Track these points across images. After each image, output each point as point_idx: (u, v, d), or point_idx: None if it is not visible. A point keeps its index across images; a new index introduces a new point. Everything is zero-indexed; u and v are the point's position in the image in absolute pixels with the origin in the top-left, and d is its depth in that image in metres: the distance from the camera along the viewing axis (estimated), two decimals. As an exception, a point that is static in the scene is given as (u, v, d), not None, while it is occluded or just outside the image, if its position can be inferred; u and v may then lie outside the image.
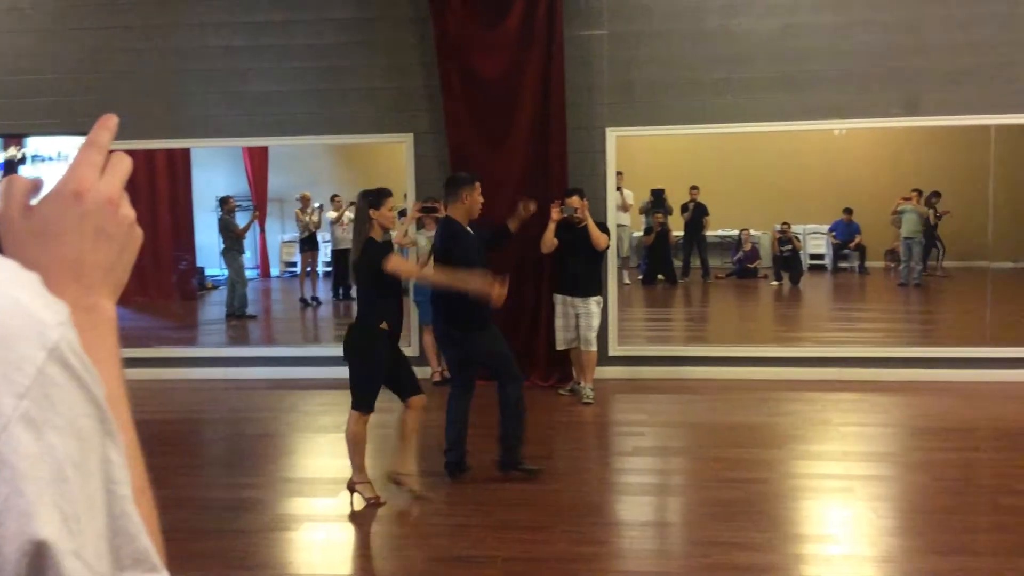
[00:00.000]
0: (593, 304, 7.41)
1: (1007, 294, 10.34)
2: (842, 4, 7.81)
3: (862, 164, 13.06)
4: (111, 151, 0.80)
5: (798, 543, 4.64)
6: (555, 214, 7.24)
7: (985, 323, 8.61)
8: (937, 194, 11.99)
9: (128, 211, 0.79)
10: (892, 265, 13.43)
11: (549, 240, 7.30)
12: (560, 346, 7.60)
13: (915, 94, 7.78)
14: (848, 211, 13.52)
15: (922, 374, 7.84)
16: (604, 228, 7.46)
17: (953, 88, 7.72)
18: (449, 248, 5.42)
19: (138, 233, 0.81)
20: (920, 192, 11.94)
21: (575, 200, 7.20)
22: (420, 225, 8.11)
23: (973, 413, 6.93)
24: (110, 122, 0.81)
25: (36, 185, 0.80)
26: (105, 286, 0.78)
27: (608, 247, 7.47)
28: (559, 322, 7.52)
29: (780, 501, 5.21)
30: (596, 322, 7.45)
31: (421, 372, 8.34)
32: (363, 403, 5.19)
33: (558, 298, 7.52)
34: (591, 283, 7.45)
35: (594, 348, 7.49)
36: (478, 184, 5.57)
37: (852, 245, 13.74)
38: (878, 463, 5.83)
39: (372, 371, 5.13)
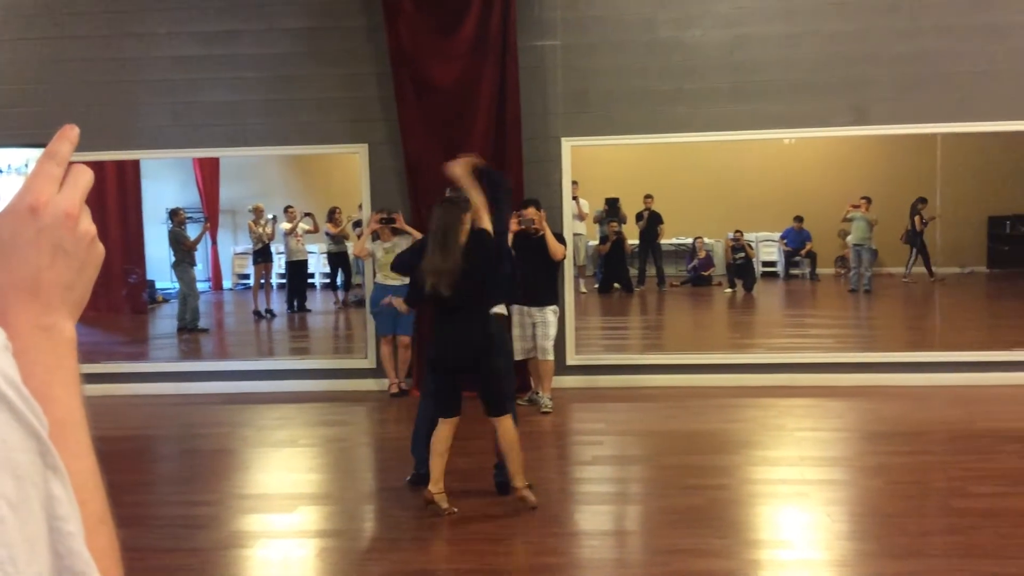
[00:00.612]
0: (549, 313, 7.42)
1: (955, 299, 10.55)
2: (791, 15, 7.93)
3: (812, 172, 13.27)
4: (71, 163, 0.77)
5: (755, 549, 4.67)
6: (512, 224, 7.24)
7: (934, 328, 8.76)
8: (923, 200, 11.98)
9: (89, 226, 0.76)
10: (842, 271, 13.64)
11: None
12: (518, 356, 7.59)
13: (863, 103, 7.92)
14: (799, 219, 13.72)
15: (874, 379, 7.96)
16: (560, 238, 7.47)
17: (900, 97, 7.87)
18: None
19: (100, 250, 0.77)
20: (869, 199, 12.14)
21: (531, 211, 7.21)
22: (376, 236, 8.06)
23: (924, 417, 7.05)
24: (71, 133, 0.77)
25: None
26: (64, 305, 0.74)
27: (564, 257, 7.48)
28: (516, 332, 7.52)
29: (738, 507, 5.24)
30: (553, 331, 7.46)
31: (379, 384, 8.33)
32: (513, 402, 5.21)
33: (514, 308, 7.51)
34: (547, 293, 7.46)
35: (551, 357, 7.49)
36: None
37: (803, 252, 13.94)
38: (832, 468, 5.90)
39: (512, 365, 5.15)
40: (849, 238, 12.63)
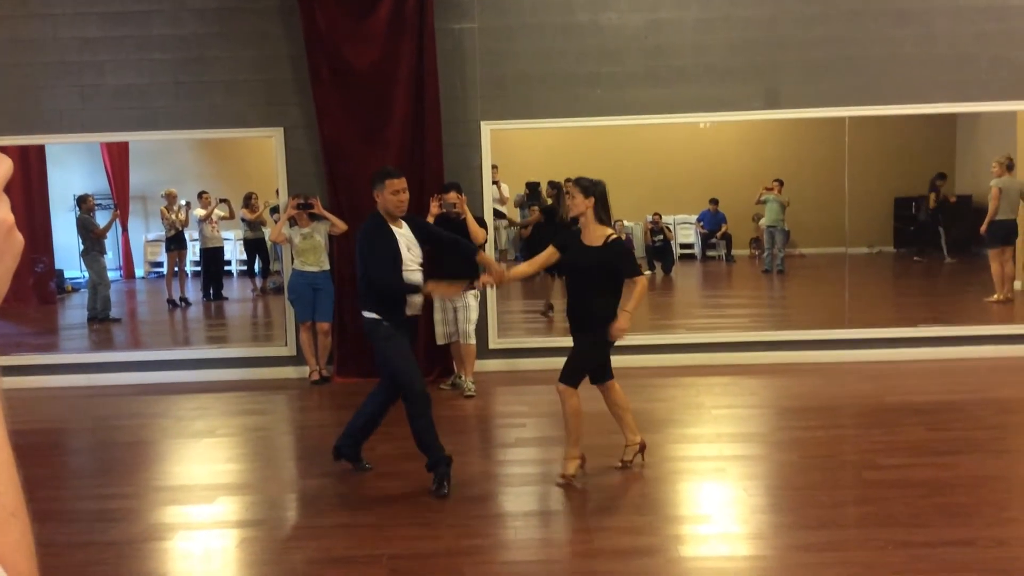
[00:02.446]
0: (471, 297, 7.42)
1: (863, 278, 10.88)
2: (705, 1, 8.03)
3: (727, 156, 13.50)
4: None
5: (676, 524, 4.77)
6: (434, 208, 7.22)
7: (844, 306, 9.03)
8: (943, 176, 11.80)
9: (6, 216, 0.75)
10: (756, 253, 13.94)
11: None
12: (440, 340, 7.58)
13: (774, 88, 8.09)
14: (714, 201, 13.96)
15: (787, 356, 8.17)
16: (482, 223, 7.47)
17: (810, 81, 8.06)
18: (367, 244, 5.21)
19: (18, 239, 0.76)
20: (781, 182, 12.41)
21: (453, 195, 7.19)
22: (293, 222, 7.95)
23: (835, 392, 7.27)
24: None
25: None
26: None
27: (486, 241, 7.48)
28: (438, 316, 7.50)
29: (658, 484, 5.33)
30: (474, 315, 7.46)
31: (298, 372, 8.23)
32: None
33: None
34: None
35: (473, 341, 7.50)
36: (389, 182, 5.19)
37: (719, 234, 14.20)
38: (748, 443, 6.05)
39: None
40: (762, 220, 12.91)
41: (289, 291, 8.13)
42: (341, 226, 7.78)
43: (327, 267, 8.00)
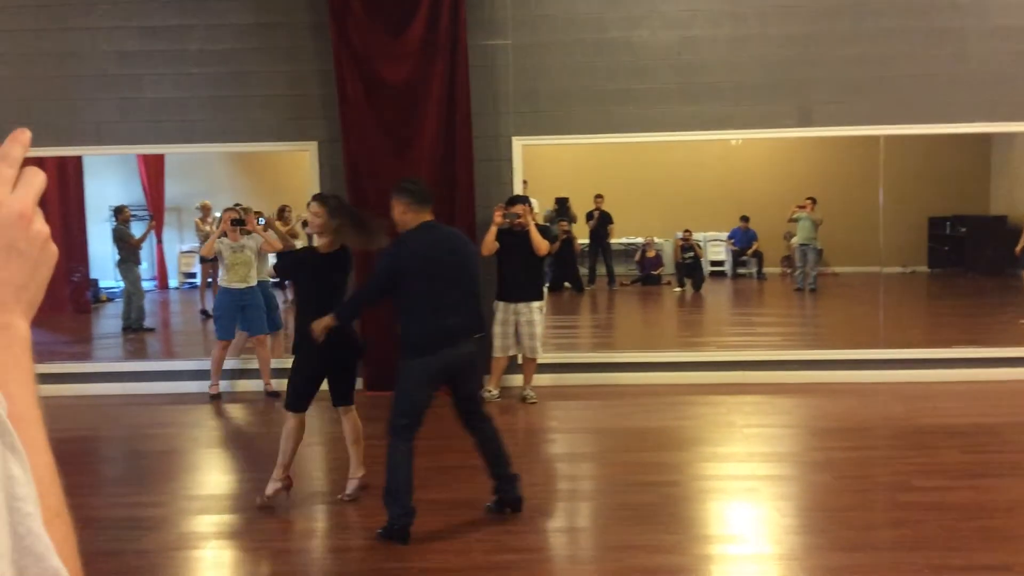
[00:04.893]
0: (536, 311, 7.48)
1: (897, 298, 10.78)
2: (737, 18, 8.03)
3: (758, 173, 13.46)
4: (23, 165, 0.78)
5: (706, 544, 4.73)
6: (497, 218, 7.28)
7: (878, 326, 8.94)
8: None
9: (42, 227, 0.77)
10: (788, 271, 13.85)
11: (490, 243, 7.33)
12: (498, 353, 7.60)
13: (808, 105, 8.05)
14: (745, 219, 13.91)
15: (819, 376, 8.09)
16: (547, 233, 7.64)
17: (844, 100, 8.02)
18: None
19: (53, 250, 0.78)
20: (814, 200, 12.34)
21: (519, 207, 7.32)
22: (224, 233, 8.00)
23: (869, 413, 7.19)
24: (23, 136, 0.78)
25: None
26: (19, 304, 0.75)
27: (549, 253, 7.60)
28: (498, 329, 7.51)
29: (688, 503, 5.30)
30: (540, 330, 7.53)
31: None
32: None
33: (499, 305, 7.52)
34: (533, 288, 7.52)
35: (539, 355, 7.57)
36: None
37: (750, 252, 14.13)
38: (780, 463, 5.99)
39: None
40: (794, 239, 12.84)
41: (214, 308, 8.25)
42: (276, 245, 7.81)
43: (254, 283, 8.06)
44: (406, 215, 4.88)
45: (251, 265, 7.99)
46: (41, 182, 0.77)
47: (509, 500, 5.02)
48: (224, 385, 8.27)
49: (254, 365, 8.35)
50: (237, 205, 7.97)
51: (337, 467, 5.77)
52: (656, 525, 4.90)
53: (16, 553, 0.60)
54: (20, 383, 0.72)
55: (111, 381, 8.46)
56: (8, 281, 0.74)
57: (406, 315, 4.73)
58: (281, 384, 8.27)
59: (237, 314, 8.03)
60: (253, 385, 8.32)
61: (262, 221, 7.66)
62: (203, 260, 8.71)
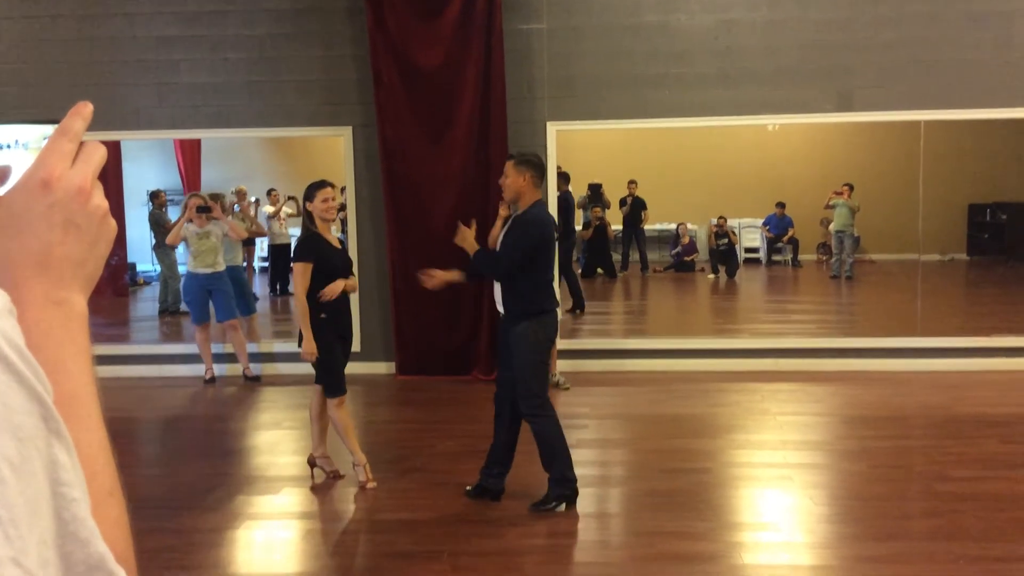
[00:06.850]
0: None
1: (935, 286, 10.63)
2: (776, 2, 7.93)
3: (795, 159, 13.30)
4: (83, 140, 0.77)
5: (738, 531, 4.71)
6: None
7: (915, 314, 8.83)
8: None
9: (101, 202, 0.76)
10: (824, 258, 13.71)
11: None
12: None
13: (847, 90, 7.95)
14: (781, 205, 13.77)
15: (855, 364, 8.02)
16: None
17: (884, 84, 7.90)
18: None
19: (112, 225, 0.77)
20: (851, 186, 12.19)
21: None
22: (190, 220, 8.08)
23: (905, 402, 7.11)
24: (84, 110, 0.77)
25: (3, 174, 0.76)
26: (76, 280, 0.74)
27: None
28: None
29: (721, 490, 5.28)
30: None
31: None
32: None
33: None
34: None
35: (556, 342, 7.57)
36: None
37: (785, 239, 14.00)
38: (814, 451, 5.95)
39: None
40: (831, 225, 12.69)
41: (183, 293, 8.34)
42: (241, 233, 7.88)
43: (222, 268, 8.14)
44: (525, 187, 5.05)
45: (218, 251, 8.10)
46: (101, 156, 0.76)
47: (494, 489, 5.09)
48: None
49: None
50: (236, 191, 8.08)
51: (370, 450, 5.80)
52: (688, 512, 4.89)
53: (61, 538, 0.60)
54: (76, 360, 0.72)
55: (148, 363, 8.59)
56: (66, 257, 0.73)
57: (532, 286, 4.91)
58: (267, 368, 8.35)
59: (206, 298, 8.14)
60: (283, 368, 8.38)
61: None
62: (168, 246, 8.79)
